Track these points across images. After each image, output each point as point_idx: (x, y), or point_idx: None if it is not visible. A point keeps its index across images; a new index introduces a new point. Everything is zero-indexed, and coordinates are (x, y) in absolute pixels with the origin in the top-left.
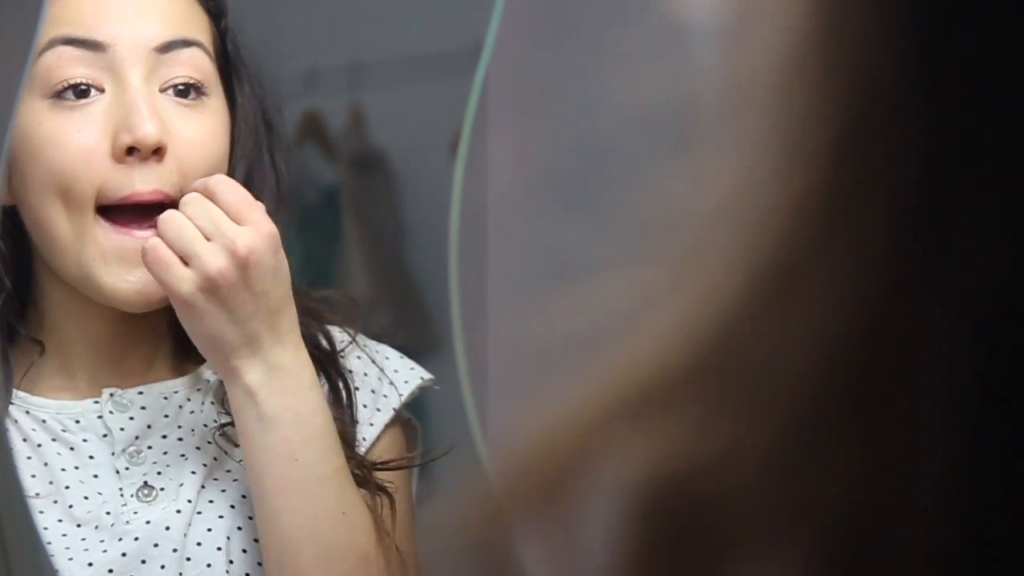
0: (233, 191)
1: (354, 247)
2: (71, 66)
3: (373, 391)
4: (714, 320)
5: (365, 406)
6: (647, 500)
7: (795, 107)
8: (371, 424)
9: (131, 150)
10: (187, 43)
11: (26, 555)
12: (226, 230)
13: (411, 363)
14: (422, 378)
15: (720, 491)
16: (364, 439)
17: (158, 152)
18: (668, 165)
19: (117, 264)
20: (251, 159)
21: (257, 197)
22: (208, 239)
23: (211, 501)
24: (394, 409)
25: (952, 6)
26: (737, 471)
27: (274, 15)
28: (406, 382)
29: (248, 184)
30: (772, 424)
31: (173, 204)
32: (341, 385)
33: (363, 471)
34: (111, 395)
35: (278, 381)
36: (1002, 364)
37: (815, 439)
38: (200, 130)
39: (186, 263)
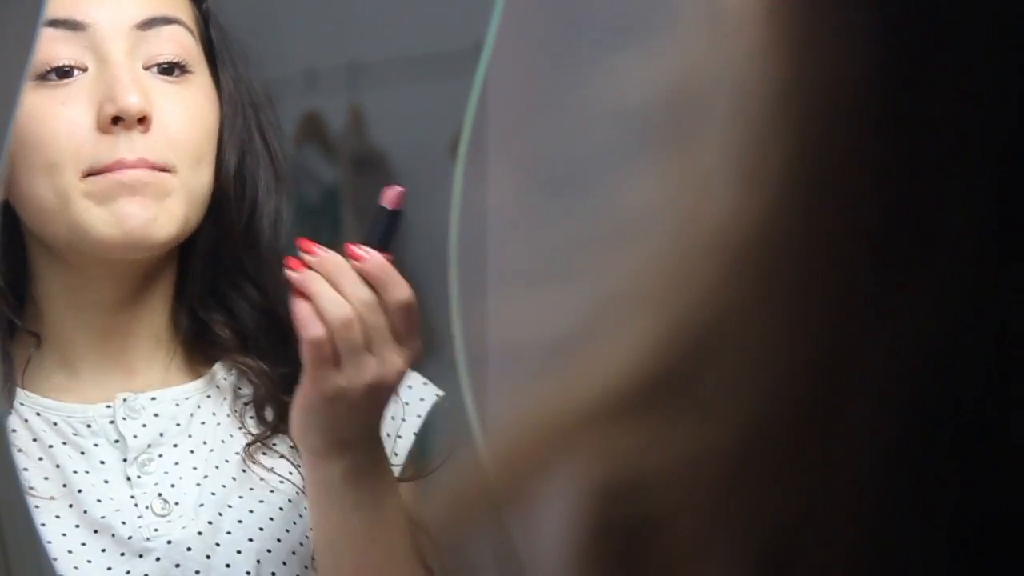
0: (410, 315)
1: None
2: (53, 47)
3: (392, 417)
4: (678, 330)
5: (387, 435)
6: (598, 507)
7: (752, 119)
8: (395, 454)
9: (116, 120)
10: (168, 20)
11: (26, 555)
12: (390, 354)
13: (423, 379)
14: (437, 395)
15: (671, 503)
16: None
17: (143, 122)
18: (641, 168)
19: (103, 200)
20: (242, 140)
21: (252, 178)
22: (368, 348)
23: (240, 521)
24: (414, 434)
25: (922, 24)
26: (689, 484)
27: (274, 15)
28: (422, 400)
29: (241, 166)
30: (728, 438)
31: (161, 171)
32: None
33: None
34: (124, 400)
35: (368, 471)
36: (956, 389)
37: (770, 454)
38: (186, 105)
39: (338, 360)
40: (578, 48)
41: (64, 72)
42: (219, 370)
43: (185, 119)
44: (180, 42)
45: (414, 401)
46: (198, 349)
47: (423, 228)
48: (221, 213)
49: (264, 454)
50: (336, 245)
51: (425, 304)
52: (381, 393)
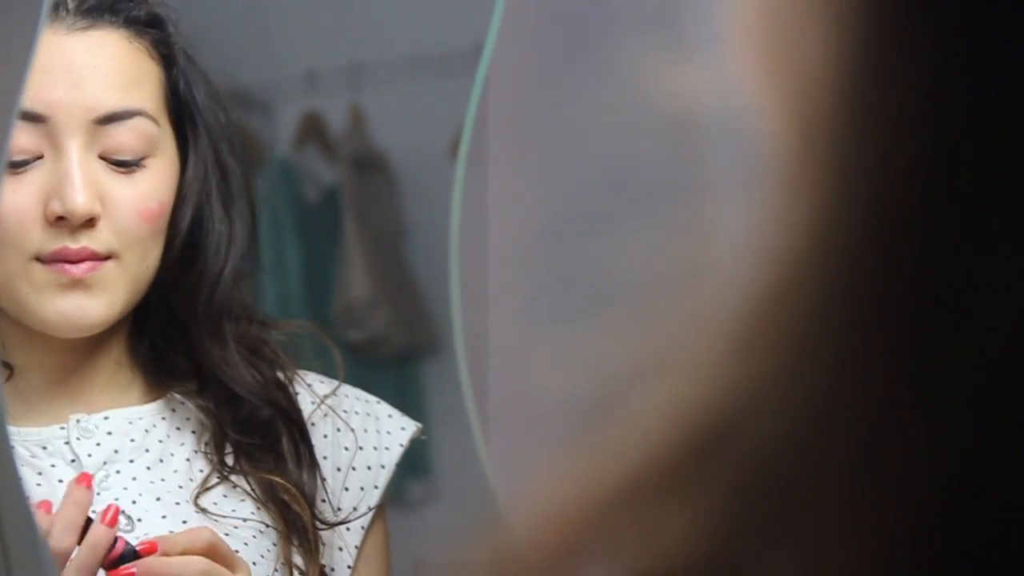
0: (217, 551)
1: (354, 247)
2: (15, 137)
3: (375, 447)
4: (716, 394)
5: (369, 468)
6: None
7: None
8: (376, 487)
9: (62, 218)
10: (130, 113)
11: (26, 555)
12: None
13: (402, 421)
14: (416, 426)
15: None
16: (368, 506)
17: (90, 222)
18: (670, 195)
19: (47, 292)
20: (198, 207)
21: (202, 245)
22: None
23: None
24: (396, 464)
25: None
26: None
27: (274, 15)
28: (403, 429)
29: (196, 233)
30: (784, 521)
31: (104, 259)
32: (303, 450)
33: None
34: (77, 421)
35: None
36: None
37: (823, 534)
38: (136, 195)
39: None
40: (578, 48)
41: (18, 164)
42: (175, 395)
43: (134, 211)
44: (141, 133)
45: (395, 431)
46: (154, 375)
47: (423, 228)
48: (170, 272)
49: (226, 496)
50: (336, 245)
51: (425, 304)
52: None
